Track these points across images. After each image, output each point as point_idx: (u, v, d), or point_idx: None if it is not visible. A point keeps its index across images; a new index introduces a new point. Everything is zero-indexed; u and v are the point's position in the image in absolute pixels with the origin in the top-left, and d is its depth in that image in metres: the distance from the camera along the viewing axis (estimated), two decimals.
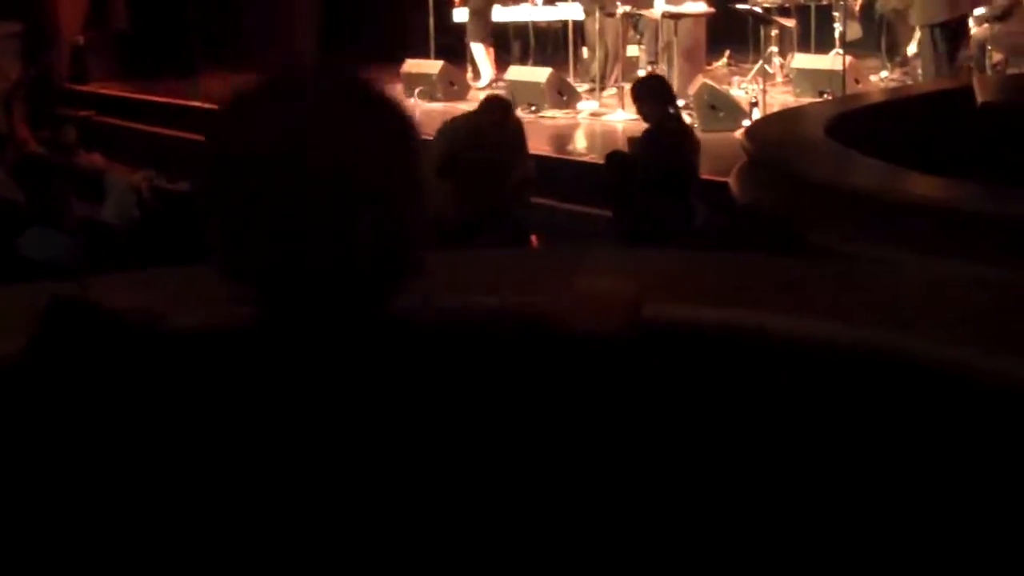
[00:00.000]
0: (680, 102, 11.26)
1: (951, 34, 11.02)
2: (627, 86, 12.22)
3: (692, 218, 7.20)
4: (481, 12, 13.30)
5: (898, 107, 6.22)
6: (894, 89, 11.16)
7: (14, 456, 1.43)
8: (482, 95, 13.32)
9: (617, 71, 12.28)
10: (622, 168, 7.44)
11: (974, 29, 12.13)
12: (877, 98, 7.67)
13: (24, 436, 1.42)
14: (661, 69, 12.53)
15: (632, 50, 13.46)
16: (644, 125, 10.02)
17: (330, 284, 1.32)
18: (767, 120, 7.12)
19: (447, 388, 1.33)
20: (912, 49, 12.41)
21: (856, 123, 5.35)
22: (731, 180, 5.11)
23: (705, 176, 8.93)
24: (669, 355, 1.67)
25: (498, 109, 7.18)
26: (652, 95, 7.70)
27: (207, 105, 13.19)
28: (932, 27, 10.91)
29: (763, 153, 4.87)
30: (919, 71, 12.09)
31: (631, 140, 8.49)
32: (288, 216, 1.30)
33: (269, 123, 1.35)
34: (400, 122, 1.40)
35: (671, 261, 2.59)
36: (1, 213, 7.57)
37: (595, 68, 12.66)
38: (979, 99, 6.05)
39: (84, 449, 1.36)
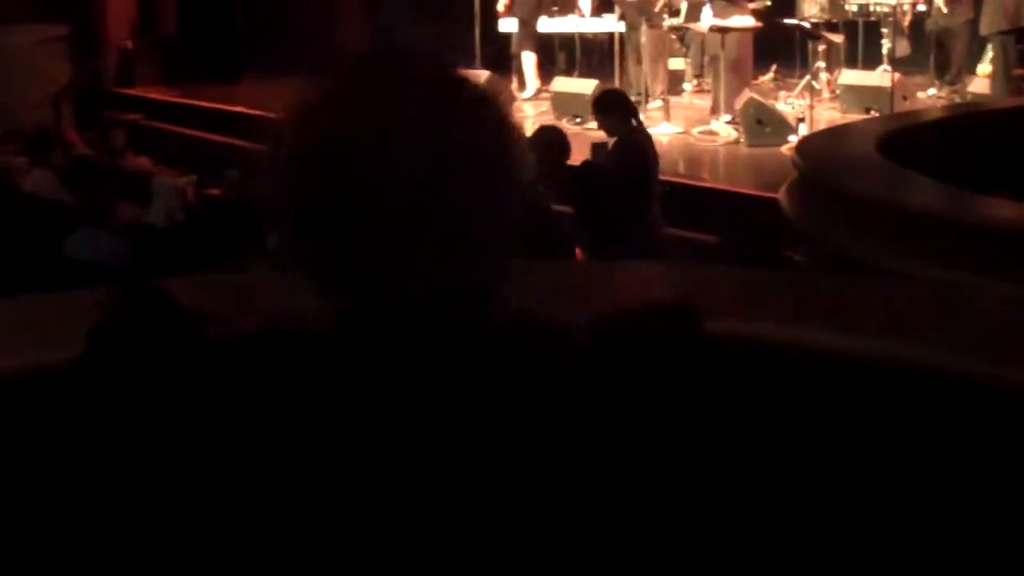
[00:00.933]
0: (726, 116, 11.30)
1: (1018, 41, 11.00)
2: (672, 99, 12.26)
3: (655, 224, 7.37)
4: (529, 22, 13.30)
5: (952, 125, 6.15)
6: (951, 106, 11.07)
7: (79, 450, 1.42)
8: (527, 106, 13.42)
9: (662, 84, 12.24)
10: (593, 176, 7.61)
11: None
12: (932, 115, 7.60)
13: (94, 430, 1.42)
14: (706, 83, 12.51)
15: (677, 63, 13.43)
16: (673, 137, 10.16)
17: (420, 281, 1.28)
18: (818, 136, 7.07)
19: (533, 395, 1.31)
20: (984, 68, 12.30)
21: (910, 140, 5.31)
22: (781, 196, 5.08)
23: (750, 191, 8.92)
24: (726, 370, 1.64)
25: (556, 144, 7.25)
26: (615, 108, 7.90)
27: (252, 111, 13.27)
28: (1002, 34, 10.86)
29: (815, 169, 4.83)
30: (969, 89, 12.01)
31: (594, 147, 8.65)
32: (380, 210, 1.26)
33: (358, 114, 1.31)
34: (495, 112, 1.36)
35: (723, 276, 2.57)
36: (49, 215, 7.63)
37: (640, 81, 12.64)
38: None
39: (150, 445, 1.35)
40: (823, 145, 5.69)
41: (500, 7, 13.58)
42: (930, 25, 12.77)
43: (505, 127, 1.36)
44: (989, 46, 12.04)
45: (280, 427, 1.29)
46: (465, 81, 1.37)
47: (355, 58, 1.37)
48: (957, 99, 12.02)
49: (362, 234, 1.27)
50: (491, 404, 1.29)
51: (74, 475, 1.45)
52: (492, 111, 1.36)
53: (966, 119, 6.84)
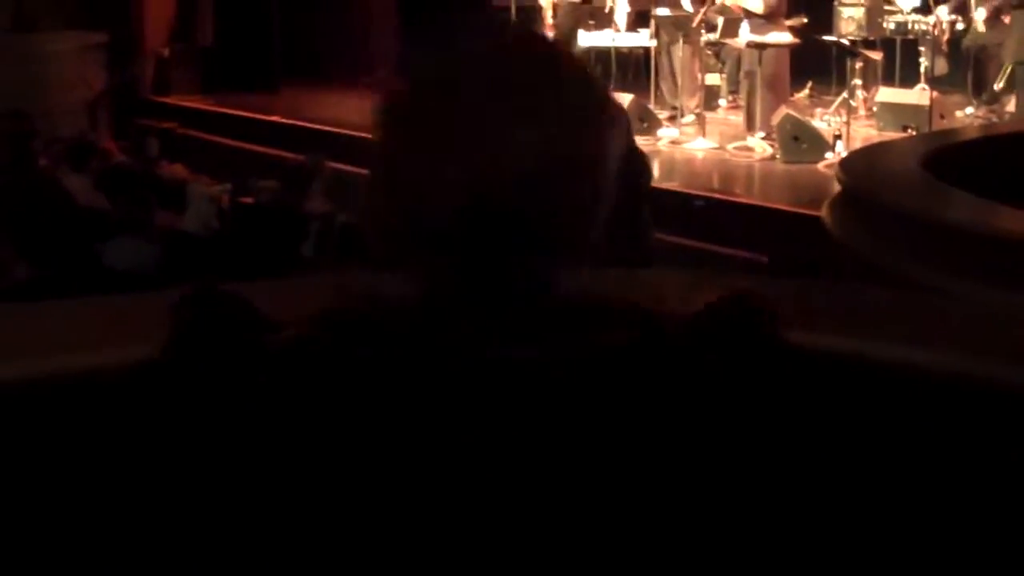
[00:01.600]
0: (761, 133, 11.26)
1: None
2: (707, 115, 12.24)
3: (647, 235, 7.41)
4: (569, 36, 13.28)
5: (996, 143, 6.12)
6: (991, 125, 11.03)
7: (151, 449, 1.42)
8: None
9: (698, 99, 12.22)
10: None
11: None
12: (975, 133, 7.57)
13: (163, 430, 1.41)
14: (742, 99, 12.47)
15: (713, 79, 13.40)
16: (708, 153, 10.12)
17: (514, 257, 1.27)
18: (862, 152, 7.04)
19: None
20: (1001, 85, 12.27)
21: (957, 158, 5.28)
22: (824, 213, 5.05)
23: (785, 207, 8.89)
24: (799, 379, 1.63)
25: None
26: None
27: (288, 120, 13.31)
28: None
29: (860, 186, 4.80)
30: (1007, 109, 11.94)
31: None
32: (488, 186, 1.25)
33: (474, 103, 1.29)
34: (597, 96, 1.35)
35: (784, 288, 2.54)
36: (86, 222, 7.66)
37: (675, 96, 12.62)
38: None
39: (242, 440, 1.34)
40: (867, 162, 5.65)
41: (547, 21, 13.58)
42: (967, 43, 12.72)
43: (611, 121, 1.34)
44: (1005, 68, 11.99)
45: (379, 418, 1.28)
46: (591, 79, 1.36)
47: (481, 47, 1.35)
48: (994, 119, 11.96)
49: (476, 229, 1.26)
50: (583, 384, 1.28)
51: (155, 469, 1.44)
52: (604, 104, 1.35)
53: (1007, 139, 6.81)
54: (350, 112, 13.41)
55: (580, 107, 1.32)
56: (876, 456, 1.86)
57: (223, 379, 1.39)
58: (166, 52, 15.54)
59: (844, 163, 5.86)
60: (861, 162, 5.85)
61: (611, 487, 1.28)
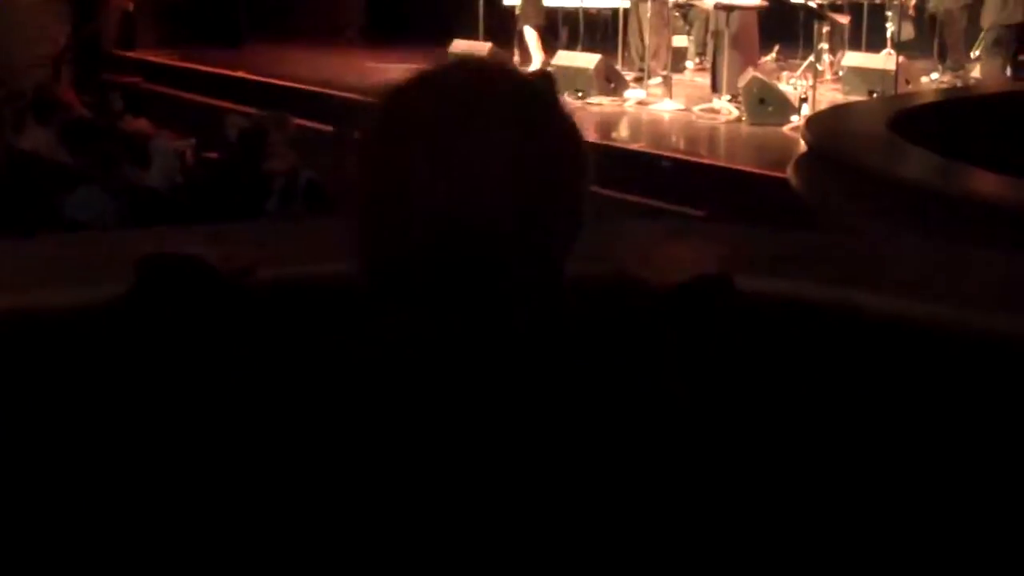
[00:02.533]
0: (727, 96, 11.27)
1: (1020, 36, 10.96)
2: (674, 76, 12.23)
3: None
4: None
5: (963, 106, 6.15)
6: (961, 88, 11.07)
7: (112, 399, 1.41)
8: None
9: (666, 60, 12.22)
10: None
11: None
12: (945, 95, 7.60)
13: (120, 382, 1.40)
14: (709, 61, 12.46)
15: (680, 40, 13.38)
16: (674, 114, 10.09)
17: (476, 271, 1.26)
18: (827, 113, 7.06)
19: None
20: (977, 53, 12.30)
21: (922, 120, 5.30)
22: (789, 172, 5.05)
23: (751, 169, 8.90)
24: (761, 326, 1.64)
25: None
26: None
27: (251, 76, 13.23)
28: (1002, 28, 10.81)
29: (826, 144, 4.81)
30: (972, 75, 11.99)
31: None
32: (445, 203, 1.25)
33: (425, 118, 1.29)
34: (568, 124, 1.36)
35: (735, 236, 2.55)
36: (48, 175, 7.60)
37: (643, 56, 12.61)
38: None
39: (183, 398, 1.34)
40: (833, 122, 5.66)
41: None
42: (932, 8, 12.75)
43: (576, 137, 1.36)
44: (983, 34, 12.01)
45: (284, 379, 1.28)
46: (543, 94, 1.36)
47: (434, 70, 1.34)
48: (959, 84, 12.01)
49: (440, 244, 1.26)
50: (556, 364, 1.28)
51: (119, 411, 1.44)
52: (566, 123, 1.36)
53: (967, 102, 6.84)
54: (314, 69, 13.35)
55: (552, 139, 1.33)
56: (835, 400, 1.88)
57: (183, 326, 1.39)
58: (130, 6, 15.41)
59: (810, 123, 5.87)
60: (827, 122, 5.85)
61: (579, 474, 1.27)
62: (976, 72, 12.15)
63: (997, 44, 11.14)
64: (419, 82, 1.32)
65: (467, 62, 1.38)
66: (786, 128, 10.17)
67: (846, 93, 11.58)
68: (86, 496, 1.71)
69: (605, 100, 11.80)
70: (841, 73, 12.13)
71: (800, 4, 12.29)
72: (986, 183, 4.19)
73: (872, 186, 4.23)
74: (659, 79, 12.19)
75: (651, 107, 11.64)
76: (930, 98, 6.88)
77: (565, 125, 1.36)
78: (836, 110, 7.00)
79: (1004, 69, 11.54)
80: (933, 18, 12.77)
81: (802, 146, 5.87)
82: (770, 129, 10.31)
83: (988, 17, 11.72)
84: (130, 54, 15.08)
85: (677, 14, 13.14)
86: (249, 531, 1.28)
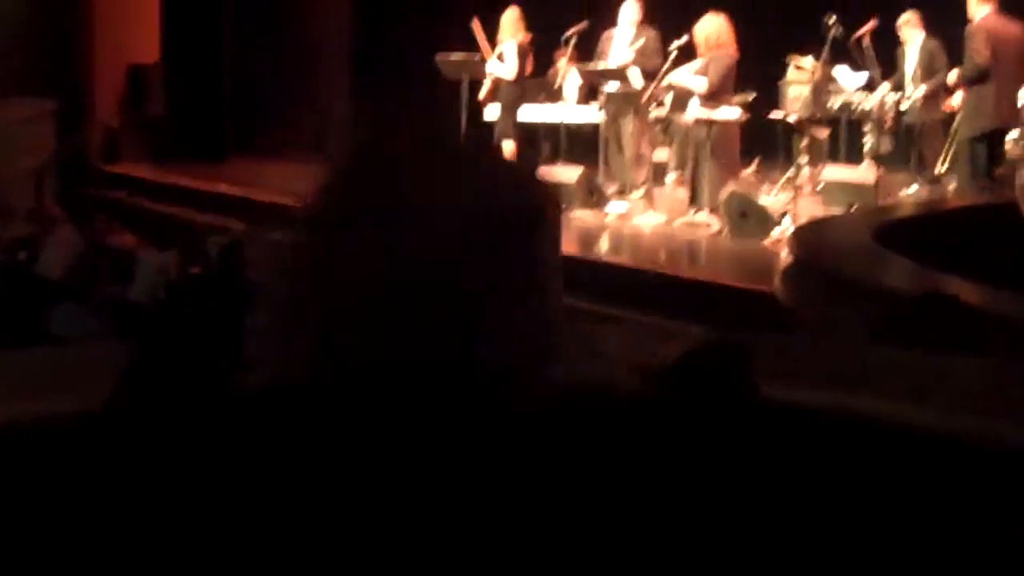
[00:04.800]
0: (704, 211, 11.35)
1: (990, 147, 11.09)
2: (656, 190, 12.33)
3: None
4: (511, 108, 13.36)
5: (944, 218, 6.23)
6: (939, 200, 11.18)
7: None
8: None
9: (647, 174, 12.34)
10: None
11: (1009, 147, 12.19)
12: (924, 209, 7.71)
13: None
14: (688, 174, 12.57)
15: (661, 154, 13.52)
16: (656, 228, 10.13)
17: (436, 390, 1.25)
18: (812, 225, 7.13)
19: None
20: (942, 170, 12.45)
21: (905, 232, 5.36)
22: (776, 284, 5.09)
23: (731, 283, 8.94)
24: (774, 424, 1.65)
25: None
26: None
27: (235, 191, 13.31)
28: (974, 140, 10.95)
29: (813, 257, 4.86)
30: (950, 187, 12.10)
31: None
32: (398, 305, 1.23)
33: (377, 196, 1.28)
34: (526, 191, 1.32)
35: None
36: (32, 288, 7.61)
37: (623, 171, 12.72)
38: None
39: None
40: (819, 234, 5.72)
41: (482, 94, 13.61)
42: (908, 118, 12.91)
43: (535, 207, 1.31)
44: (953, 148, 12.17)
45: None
46: (497, 161, 1.36)
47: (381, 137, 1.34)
48: (935, 197, 12.09)
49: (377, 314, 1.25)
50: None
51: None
52: (522, 188, 1.32)
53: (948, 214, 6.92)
54: (297, 183, 13.40)
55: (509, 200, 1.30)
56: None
57: (171, 425, 1.39)
58: (116, 121, 15.54)
59: (797, 235, 5.92)
60: (813, 235, 5.91)
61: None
62: (952, 186, 12.27)
63: (969, 157, 11.26)
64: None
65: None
66: (767, 242, 10.24)
67: (826, 206, 11.68)
68: None
69: (587, 213, 11.87)
70: (821, 186, 12.25)
71: (779, 118, 12.47)
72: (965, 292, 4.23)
73: (858, 295, 4.26)
74: (640, 192, 12.30)
75: (633, 220, 11.72)
76: (910, 211, 6.98)
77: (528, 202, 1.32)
78: (821, 222, 7.07)
79: (975, 182, 11.64)
80: (910, 131, 12.93)
81: (784, 259, 5.91)
82: (751, 242, 10.37)
83: (961, 131, 11.89)
84: (114, 168, 15.17)
85: (658, 128, 13.29)
86: None
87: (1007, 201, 6.66)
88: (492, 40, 13.36)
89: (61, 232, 8.87)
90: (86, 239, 9.73)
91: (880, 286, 4.30)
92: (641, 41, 12.49)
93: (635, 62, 12.34)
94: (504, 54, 13.20)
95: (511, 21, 13.23)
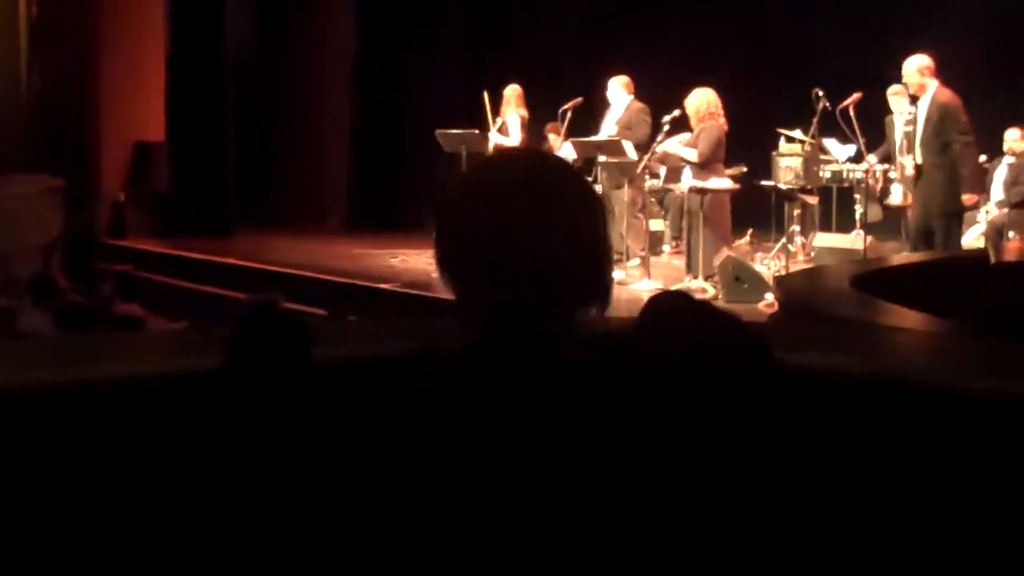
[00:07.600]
0: (700, 278, 11.59)
1: (960, 221, 11.29)
2: (652, 258, 12.57)
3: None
4: None
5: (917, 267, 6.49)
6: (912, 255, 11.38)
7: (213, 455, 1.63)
8: None
9: (643, 242, 12.58)
10: None
11: (993, 213, 12.43)
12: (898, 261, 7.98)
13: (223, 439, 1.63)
14: (684, 244, 12.81)
15: (657, 224, 13.77)
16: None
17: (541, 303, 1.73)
18: (797, 274, 7.33)
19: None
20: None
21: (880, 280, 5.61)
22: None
23: None
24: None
25: None
26: None
27: (241, 262, 13.52)
28: (951, 217, 11.04)
29: (798, 301, 5.09)
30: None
31: None
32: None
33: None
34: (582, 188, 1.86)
35: None
36: None
37: (619, 240, 12.96)
38: (993, 259, 6.33)
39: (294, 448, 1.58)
40: (802, 282, 5.94)
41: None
42: (893, 200, 13.09)
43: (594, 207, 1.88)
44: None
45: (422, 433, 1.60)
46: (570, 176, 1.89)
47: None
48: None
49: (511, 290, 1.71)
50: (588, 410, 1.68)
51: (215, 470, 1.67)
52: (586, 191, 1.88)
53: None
54: (302, 255, 13.65)
55: (580, 196, 1.85)
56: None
57: (277, 387, 1.64)
58: (122, 196, 15.77)
59: (781, 281, 6.15)
60: (799, 281, 6.13)
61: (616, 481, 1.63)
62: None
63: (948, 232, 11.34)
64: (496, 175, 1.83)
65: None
66: (761, 305, 10.47)
67: None
68: None
69: None
70: (813, 253, 12.51)
71: (771, 186, 12.74)
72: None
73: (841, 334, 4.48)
74: (638, 260, 12.54)
75: (630, 286, 11.94)
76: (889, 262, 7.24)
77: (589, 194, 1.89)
78: (806, 272, 7.24)
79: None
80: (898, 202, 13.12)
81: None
82: (746, 306, 10.59)
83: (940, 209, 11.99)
84: (121, 243, 15.37)
85: (653, 199, 13.56)
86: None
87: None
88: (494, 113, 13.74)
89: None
90: (94, 307, 9.93)
91: (860, 323, 4.54)
92: (621, 114, 12.88)
93: (619, 135, 12.67)
94: (508, 126, 13.57)
95: (515, 95, 13.64)
